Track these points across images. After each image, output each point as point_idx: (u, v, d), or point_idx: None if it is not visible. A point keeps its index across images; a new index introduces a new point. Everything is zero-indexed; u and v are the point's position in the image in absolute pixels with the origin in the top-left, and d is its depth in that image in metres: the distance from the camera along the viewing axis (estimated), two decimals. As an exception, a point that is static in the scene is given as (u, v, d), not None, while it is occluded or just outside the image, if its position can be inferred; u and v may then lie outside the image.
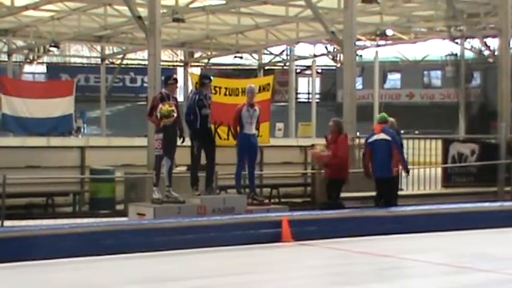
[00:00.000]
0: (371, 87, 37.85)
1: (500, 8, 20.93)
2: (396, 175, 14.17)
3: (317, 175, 17.62)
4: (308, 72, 45.49)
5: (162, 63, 18.31)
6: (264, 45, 35.93)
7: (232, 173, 13.70)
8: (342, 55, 26.50)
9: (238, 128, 13.50)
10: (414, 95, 47.93)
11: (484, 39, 27.36)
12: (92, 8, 28.04)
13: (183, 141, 12.70)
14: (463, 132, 33.24)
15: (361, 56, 36.39)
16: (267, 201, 15.35)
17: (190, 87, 31.21)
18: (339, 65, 42.26)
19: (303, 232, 11.83)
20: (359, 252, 10.95)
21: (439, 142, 19.81)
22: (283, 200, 19.06)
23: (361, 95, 37.75)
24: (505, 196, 18.45)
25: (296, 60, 39.89)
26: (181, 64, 40.89)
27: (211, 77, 14.08)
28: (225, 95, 16.84)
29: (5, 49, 36.05)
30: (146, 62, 19.12)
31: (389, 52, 43.72)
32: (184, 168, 14.85)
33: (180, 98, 29.58)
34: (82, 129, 36.67)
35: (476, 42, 31.63)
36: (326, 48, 40.33)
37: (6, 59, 35.38)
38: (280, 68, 44.09)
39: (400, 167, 14.12)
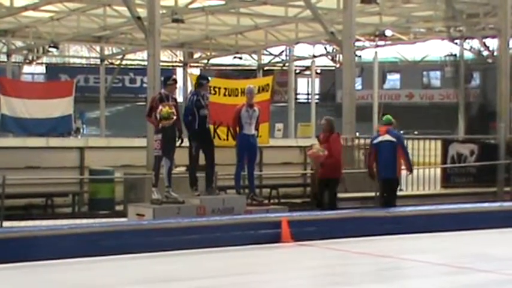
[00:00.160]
0: (370, 87, 37.85)
1: (499, 9, 20.94)
2: (398, 177, 14.24)
3: (316, 175, 17.64)
4: (307, 72, 45.48)
5: (161, 63, 18.32)
6: (263, 45, 35.94)
7: (231, 174, 13.70)
8: (341, 55, 26.55)
9: (237, 129, 13.50)
10: (413, 95, 47.95)
11: (483, 40, 27.40)
12: (91, 8, 28.05)
13: (182, 142, 12.70)
14: (462, 132, 33.27)
15: (360, 56, 36.38)
16: (266, 201, 15.37)
17: (190, 87, 31.21)
18: (338, 66, 42.33)
19: (303, 232, 11.83)
20: (358, 253, 10.95)
21: (439, 142, 19.80)
22: (282, 200, 19.08)
23: (361, 96, 37.75)
24: (504, 196, 18.45)
25: (295, 60, 39.91)
26: (181, 65, 40.90)
27: (209, 78, 14.07)
28: (225, 95, 16.84)
29: (4, 50, 36.05)
30: (145, 63, 19.14)
31: (388, 52, 43.72)
32: (183, 169, 14.85)
33: (180, 98, 29.57)
34: (81, 130, 36.66)
35: (475, 43, 31.66)
36: (325, 48, 40.37)
37: (6, 60, 35.38)
38: (279, 68, 44.08)
39: (404, 168, 14.18)
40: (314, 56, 39.29)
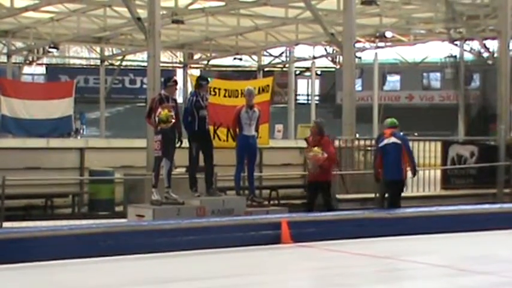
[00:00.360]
0: (370, 89, 37.85)
1: (499, 10, 20.94)
2: (404, 179, 14.31)
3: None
4: (307, 73, 45.52)
5: (161, 64, 18.33)
6: (263, 46, 35.96)
7: (231, 175, 13.69)
8: (341, 57, 26.54)
9: (237, 130, 13.50)
10: (413, 96, 47.96)
11: (484, 41, 27.42)
12: (92, 9, 28.07)
13: (181, 144, 12.70)
14: (462, 134, 33.23)
15: (360, 57, 36.46)
16: (266, 202, 15.35)
17: (190, 88, 31.19)
18: (338, 67, 42.32)
19: (302, 234, 11.81)
20: (359, 254, 10.94)
21: (439, 144, 19.80)
22: (282, 201, 19.08)
23: (361, 97, 37.75)
24: (504, 198, 18.45)
25: (295, 61, 39.92)
26: (181, 66, 40.90)
27: (208, 79, 14.06)
28: (225, 96, 16.83)
29: (5, 50, 36.06)
30: (145, 64, 19.15)
31: (388, 54, 43.74)
32: (183, 170, 14.85)
33: (180, 99, 29.56)
34: (81, 131, 36.65)
35: (475, 44, 31.63)
36: (325, 49, 40.39)
37: (6, 60, 35.39)
38: (279, 69, 44.14)
39: (409, 170, 14.24)
40: (314, 57, 39.29)
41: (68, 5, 27.26)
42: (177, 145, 12.65)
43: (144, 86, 33.71)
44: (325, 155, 13.64)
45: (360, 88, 42.77)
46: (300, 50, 39.72)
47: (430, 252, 11.30)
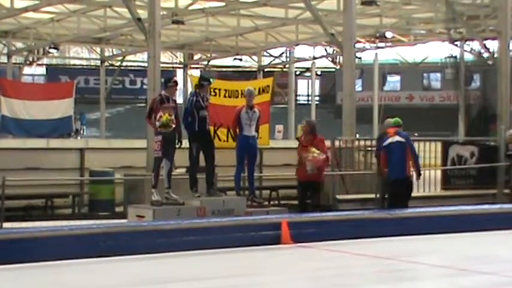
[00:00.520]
0: (370, 89, 37.85)
1: (499, 11, 20.94)
2: (409, 176, 14.35)
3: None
4: (307, 74, 45.52)
5: (161, 65, 18.34)
6: (263, 47, 35.97)
7: (231, 175, 13.69)
8: (341, 57, 26.52)
9: (237, 130, 13.50)
10: (414, 97, 47.93)
11: (484, 42, 27.40)
12: (92, 10, 28.07)
13: (180, 145, 12.70)
14: (462, 134, 33.22)
15: (360, 58, 36.43)
16: (266, 203, 15.36)
17: (190, 89, 31.19)
18: (338, 67, 42.31)
19: (303, 234, 11.81)
20: (359, 255, 10.94)
21: (439, 144, 19.79)
22: (282, 202, 19.06)
23: (361, 97, 37.74)
24: (504, 198, 18.43)
25: (295, 62, 39.92)
26: (181, 66, 40.90)
27: (211, 80, 14.06)
28: (225, 97, 16.84)
29: (5, 51, 36.05)
30: (146, 64, 19.15)
31: (388, 54, 43.74)
32: (183, 170, 14.85)
33: (180, 100, 29.57)
34: (81, 131, 36.64)
35: (475, 45, 31.60)
36: (325, 50, 40.37)
37: (6, 61, 35.36)
38: (279, 70, 44.11)
39: (413, 171, 14.26)
40: (314, 58, 39.29)
41: (68, 5, 27.26)
42: (177, 146, 12.66)
43: (145, 86, 33.69)
44: (324, 156, 13.64)
45: (360, 88, 42.76)
46: (300, 51, 39.72)
47: (430, 252, 11.30)
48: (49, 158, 19.26)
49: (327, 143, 17.83)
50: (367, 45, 35.39)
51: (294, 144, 26.22)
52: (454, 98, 39.75)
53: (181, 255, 10.71)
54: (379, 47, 35.45)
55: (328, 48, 39.37)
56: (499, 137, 19.85)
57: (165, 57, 40.44)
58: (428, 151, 19.33)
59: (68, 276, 9.42)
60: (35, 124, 26.64)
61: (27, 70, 42.72)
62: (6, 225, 14.30)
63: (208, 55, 38.03)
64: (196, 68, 42.36)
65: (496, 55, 23.20)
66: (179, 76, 39.16)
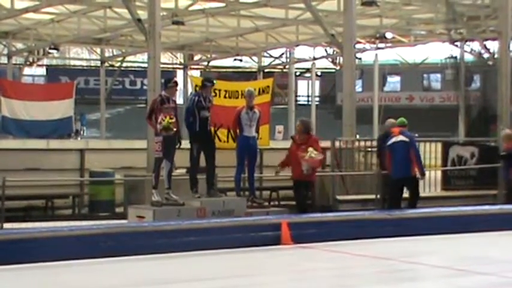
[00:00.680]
0: (371, 90, 37.83)
1: (500, 11, 20.94)
2: (415, 175, 14.40)
3: (317, 178, 17.61)
4: (308, 74, 45.51)
5: (161, 65, 18.34)
6: (263, 47, 35.98)
7: (231, 176, 13.69)
8: (341, 58, 26.53)
9: (237, 131, 13.51)
10: (414, 97, 47.92)
11: (484, 42, 27.41)
12: (92, 10, 28.08)
13: (180, 145, 12.70)
14: (462, 135, 33.22)
15: (360, 58, 36.41)
16: (266, 203, 15.35)
17: (190, 89, 31.22)
18: (338, 68, 42.34)
19: (303, 235, 11.81)
20: (359, 255, 10.94)
21: (439, 145, 19.78)
22: (282, 202, 19.06)
23: (361, 98, 37.73)
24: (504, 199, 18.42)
25: (296, 62, 39.94)
26: (181, 67, 40.92)
27: (214, 82, 14.04)
28: (225, 97, 16.85)
29: (5, 51, 36.11)
30: (146, 65, 19.16)
31: (389, 55, 43.75)
32: (183, 171, 14.85)
33: (179, 100, 29.58)
34: (81, 132, 36.67)
35: (476, 45, 31.63)
36: (326, 50, 40.39)
37: (6, 62, 35.41)
38: (279, 70, 44.13)
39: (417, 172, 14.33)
40: (314, 58, 39.31)
41: (68, 6, 27.28)
42: (176, 146, 12.66)
43: (145, 87, 33.70)
44: (321, 157, 13.65)
45: (360, 89, 42.75)
46: (300, 51, 39.75)
47: (430, 253, 11.30)
48: (49, 158, 19.28)
49: (327, 143, 17.89)
50: (367, 45, 35.41)
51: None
52: (454, 99, 39.72)
53: (181, 255, 10.71)
54: (379, 48, 35.47)
55: (328, 48, 39.39)
56: (499, 138, 19.82)
57: (165, 58, 40.49)
58: (429, 152, 19.32)
59: (68, 277, 9.42)
60: (35, 125, 26.65)
61: (27, 71, 42.77)
62: (6, 225, 14.29)
63: (209, 56, 38.05)
64: (197, 68, 42.43)
65: (496, 56, 23.19)
66: (179, 77, 39.18)
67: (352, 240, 11.99)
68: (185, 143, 13.02)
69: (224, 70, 47.15)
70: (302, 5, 24.03)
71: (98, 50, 38.12)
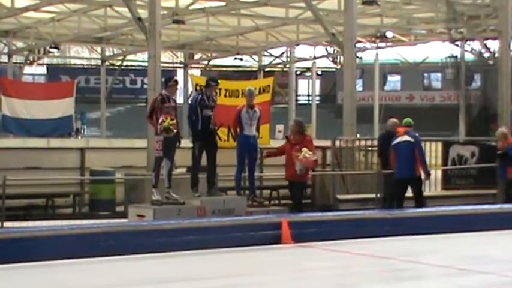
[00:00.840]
0: (371, 89, 37.84)
1: (500, 10, 20.94)
2: (419, 176, 14.41)
3: (317, 177, 17.64)
4: (308, 74, 45.51)
5: (162, 64, 18.35)
6: (264, 46, 35.97)
7: (232, 175, 13.69)
8: (342, 57, 26.53)
9: (238, 130, 13.50)
10: (414, 97, 47.91)
11: (484, 41, 27.43)
12: (92, 9, 28.09)
13: (179, 144, 12.71)
14: (463, 134, 33.24)
15: (361, 58, 36.42)
16: (267, 203, 15.36)
17: (191, 88, 31.23)
18: (339, 67, 42.30)
19: (303, 234, 11.81)
20: (359, 254, 10.94)
21: (439, 144, 19.79)
22: (283, 201, 19.06)
23: (361, 97, 37.72)
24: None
25: (296, 62, 39.93)
26: (181, 66, 40.91)
27: (218, 81, 14.02)
28: (225, 96, 16.86)
29: (5, 50, 36.08)
30: (146, 64, 19.17)
31: (389, 54, 43.72)
32: (184, 170, 14.86)
33: (180, 99, 29.58)
34: (81, 131, 36.67)
35: (476, 45, 31.65)
36: (326, 50, 40.36)
37: (7, 60, 35.40)
38: (280, 69, 44.13)
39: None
40: (315, 58, 39.30)
41: (68, 5, 27.27)
42: (176, 145, 12.66)
43: (145, 86, 33.74)
44: (315, 158, 13.65)
45: (360, 88, 42.78)
46: (301, 50, 39.73)
47: (430, 252, 11.30)
48: (50, 157, 19.28)
49: (328, 142, 17.91)
50: (368, 45, 35.40)
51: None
52: (454, 98, 39.77)
53: (181, 254, 10.71)
54: (379, 47, 35.46)
55: (328, 48, 39.37)
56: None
57: (166, 57, 40.48)
58: (429, 151, 19.29)
59: (68, 276, 9.43)
60: (36, 123, 26.67)
61: (27, 69, 42.73)
62: (6, 224, 14.30)
63: (209, 55, 38.04)
64: (197, 67, 42.39)
65: (496, 55, 23.21)
66: (180, 76, 39.19)
67: (352, 239, 11.99)
68: (185, 142, 13.02)
69: (224, 69, 47.14)
70: (302, 4, 24.03)
71: (99, 49, 38.11)
